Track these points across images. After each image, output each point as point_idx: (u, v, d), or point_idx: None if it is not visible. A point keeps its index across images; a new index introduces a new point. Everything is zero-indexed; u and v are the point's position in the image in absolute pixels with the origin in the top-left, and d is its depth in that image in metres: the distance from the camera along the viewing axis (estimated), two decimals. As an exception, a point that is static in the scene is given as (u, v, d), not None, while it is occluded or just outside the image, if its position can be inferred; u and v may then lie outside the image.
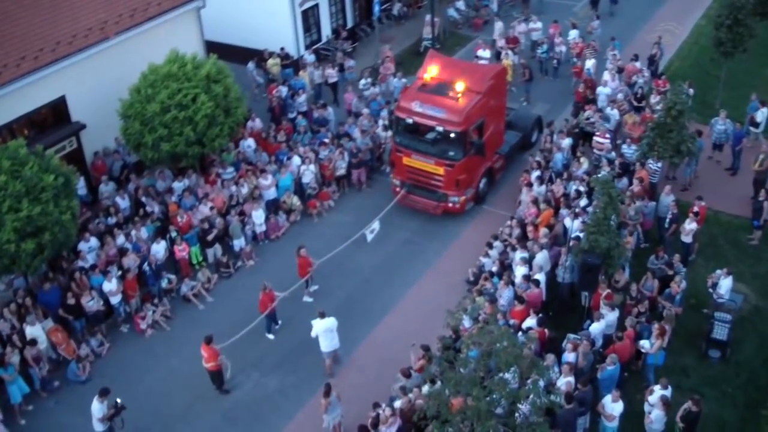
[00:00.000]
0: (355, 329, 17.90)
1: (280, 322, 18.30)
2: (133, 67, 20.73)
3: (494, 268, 18.29)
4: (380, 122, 23.24)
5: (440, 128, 20.01)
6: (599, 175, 17.60)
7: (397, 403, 14.43)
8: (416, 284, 19.25)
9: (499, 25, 28.11)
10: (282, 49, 27.09)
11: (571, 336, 15.99)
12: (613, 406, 14.38)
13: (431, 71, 20.82)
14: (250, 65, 26.54)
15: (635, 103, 23.72)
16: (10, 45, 19.59)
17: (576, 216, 18.07)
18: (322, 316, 16.40)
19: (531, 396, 12.07)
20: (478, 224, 21.02)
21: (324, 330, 16.37)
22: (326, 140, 22.51)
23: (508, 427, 12.50)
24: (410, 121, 20.41)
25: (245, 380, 17.07)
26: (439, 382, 13.48)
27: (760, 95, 23.53)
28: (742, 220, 20.71)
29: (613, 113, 22.73)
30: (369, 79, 25.57)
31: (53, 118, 21.04)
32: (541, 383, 12.32)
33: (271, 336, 18.09)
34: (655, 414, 14.11)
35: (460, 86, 20.09)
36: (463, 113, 19.88)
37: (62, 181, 17.14)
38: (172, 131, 19.35)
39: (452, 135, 19.96)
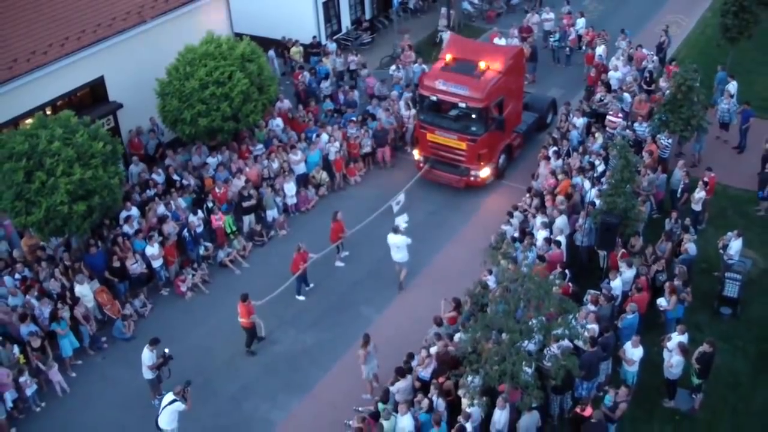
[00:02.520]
0: (385, 291, 18.98)
1: (312, 284, 19.29)
2: (166, 51, 21.82)
3: (516, 234, 19.27)
4: (401, 102, 24.31)
5: (463, 105, 21.08)
6: (616, 141, 18.57)
7: (433, 349, 15.40)
8: (442, 251, 20.26)
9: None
10: (314, 37, 28.21)
11: (591, 291, 16.98)
12: (633, 351, 15.35)
13: (453, 51, 21.92)
14: (271, 53, 27.60)
15: (645, 87, 24.79)
16: (55, 26, 20.73)
17: (593, 184, 19.13)
18: (395, 231, 18.37)
19: (561, 329, 13.05)
20: (498, 197, 22.06)
21: (392, 244, 18.50)
22: (354, 119, 23.61)
23: (539, 361, 13.52)
24: (434, 98, 21.48)
25: (283, 336, 18.06)
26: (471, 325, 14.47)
27: (766, 81, 24.69)
28: (750, 193, 21.73)
29: (626, 96, 23.81)
30: (398, 66, 26.84)
31: (92, 98, 22.14)
32: (571, 317, 13.29)
33: (301, 297, 19.06)
34: (675, 359, 15.07)
35: (481, 65, 21.19)
36: (484, 90, 20.96)
37: (110, 148, 18.20)
38: (209, 107, 20.42)
39: (474, 111, 21.02)
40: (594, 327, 15.50)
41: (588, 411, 13.92)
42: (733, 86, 23.61)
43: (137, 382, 16.63)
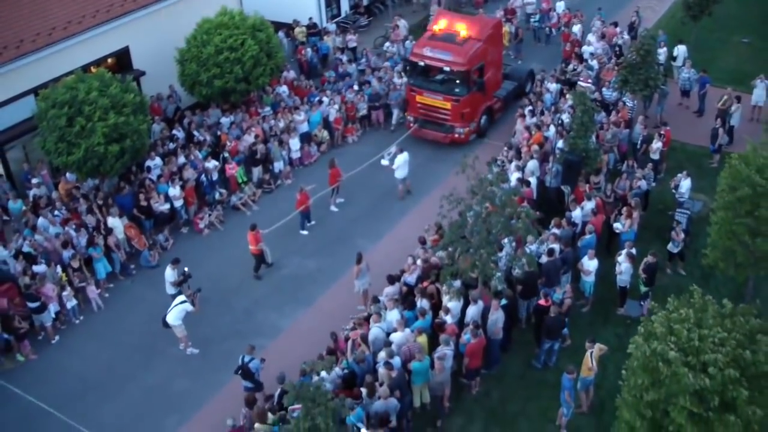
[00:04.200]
0: (378, 225, 21.69)
1: (313, 221, 21.94)
2: (184, 25, 24.42)
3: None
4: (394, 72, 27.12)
5: (447, 69, 23.80)
6: (577, 91, 21.27)
7: (419, 261, 18.00)
8: (429, 195, 22.74)
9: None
10: (310, 19, 30.99)
11: (555, 218, 19.57)
12: (589, 263, 17.97)
13: (440, 23, 24.71)
14: (281, 34, 30.30)
15: (615, 59, 27.46)
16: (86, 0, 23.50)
17: (561, 135, 21.80)
18: (401, 151, 22.02)
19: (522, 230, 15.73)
20: (481, 152, 24.43)
21: (401, 162, 22.14)
22: (353, 86, 26.37)
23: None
24: (422, 64, 24.23)
25: (289, 262, 20.72)
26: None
27: (727, 56, 27.50)
28: (705, 149, 24.37)
29: (594, 63, 26.55)
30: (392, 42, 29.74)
31: (118, 65, 24.80)
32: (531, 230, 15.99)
33: (304, 232, 21.71)
34: (624, 266, 17.70)
35: (463, 34, 23.95)
36: (466, 56, 23.74)
37: (139, 99, 20.91)
38: (223, 70, 23.09)
39: (457, 75, 23.74)
40: (555, 246, 18.08)
41: (548, 301, 16.54)
42: (677, 50, 26.63)
43: (162, 300, 19.03)
